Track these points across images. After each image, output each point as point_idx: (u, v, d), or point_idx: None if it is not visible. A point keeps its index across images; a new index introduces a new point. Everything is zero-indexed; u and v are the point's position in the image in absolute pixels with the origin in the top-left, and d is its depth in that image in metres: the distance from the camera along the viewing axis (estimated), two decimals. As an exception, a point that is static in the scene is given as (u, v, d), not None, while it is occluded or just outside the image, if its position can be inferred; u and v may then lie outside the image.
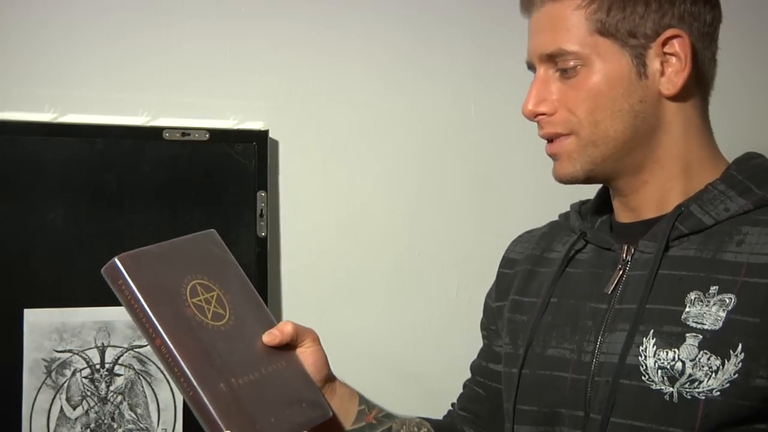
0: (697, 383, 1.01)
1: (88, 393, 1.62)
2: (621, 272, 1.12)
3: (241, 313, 1.12)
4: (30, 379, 1.59)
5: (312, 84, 1.77)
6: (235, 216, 1.70)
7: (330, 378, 1.17)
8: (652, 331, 1.06)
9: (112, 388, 1.64)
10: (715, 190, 1.10)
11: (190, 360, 1.04)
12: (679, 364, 1.03)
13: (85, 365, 1.62)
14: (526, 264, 1.27)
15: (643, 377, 1.05)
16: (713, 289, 1.04)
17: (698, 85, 1.12)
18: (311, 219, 1.78)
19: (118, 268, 1.05)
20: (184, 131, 1.68)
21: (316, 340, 1.16)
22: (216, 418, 1.03)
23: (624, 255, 1.13)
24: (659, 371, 1.04)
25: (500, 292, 1.30)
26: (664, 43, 1.09)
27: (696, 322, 1.03)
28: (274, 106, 1.75)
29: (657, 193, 1.13)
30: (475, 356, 1.38)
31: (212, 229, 1.18)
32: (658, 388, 1.03)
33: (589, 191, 1.25)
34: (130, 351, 1.64)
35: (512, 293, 1.27)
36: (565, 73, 1.11)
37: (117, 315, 1.63)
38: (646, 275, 1.08)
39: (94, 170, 1.64)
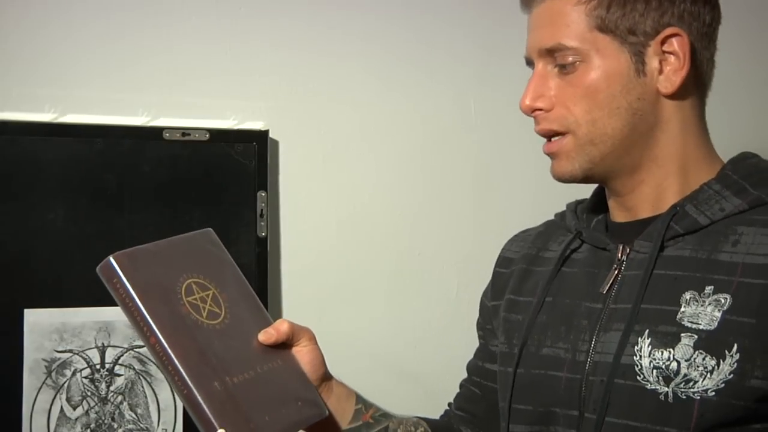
0: (692, 383, 1.01)
1: (89, 393, 1.63)
2: (616, 272, 1.12)
3: (237, 311, 1.12)
4: (30, 379, 1.60)
5: (312, 84, 1.77)
6: (235, 216, 1.69)
7: (327, 377, 1.17)
8: (647, 330, 1.05)
9: (112, 388, 1.64)
10: (710, 190, 1.10)
11: (184, 358, 1.04)
12: (674, 364, 1.02)
13: (86, 365, 1.62)
14: (522, 263, 1.27)
15: (638, 377, 1.04)
16: (708, 289, 1.04)
17: (696, 84, 1.12)
18: (311, 219, 1.78)
19: (113, 266, 1.05)
20: (184, 131, 1.68)
21: (313, 339, 1.16)
22: (210, 416, 1.03)
23: (619, 255, 1.12)
24: (654, 371, 1.03)
25: (496, 291, 1.30)
26: (663, 42, 1.09)
27: (691, 322, 1.03)
28: (274, 106, 1.75)
29: (653, 192, 1.13)
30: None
31: (209, 228, 1.18)
32: (653, 387, 1.03)
33: (589, 191, 1.25)
34: (131, 351, 1.64)
35: (508, 292, 1.27)
36: (563, 69, 1.11)
37: (117, 315, 1.61)
38: (641, 275, 1.08)
39: (94, 170, 1.64)
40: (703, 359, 1.01)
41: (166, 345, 1.04)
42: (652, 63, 1.09)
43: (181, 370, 1.04)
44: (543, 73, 1.12)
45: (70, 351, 1.62)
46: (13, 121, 1.61)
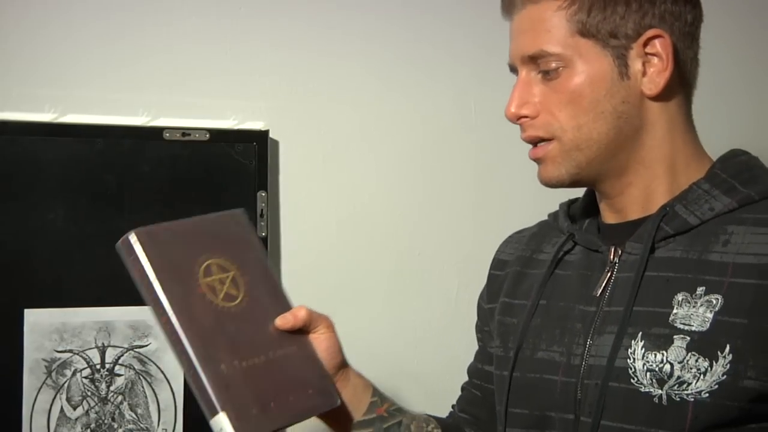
0: (685, 385, 1.01)
1: (89, 393, 1.63)
2: (609, 274, 1.12)
3: (257, 295, 1.12)
4: (30, 379, 1.60)
5: (312, 84, 1.77)
6: (235, 216, 1.69)
7: (343, 365, 1.17)
8: (640, 333, 1.05)
9: (112, 388, 1.64)
10: (699, 190, 1.09)
11: (192, 339, 1.04)
12: (667, 366, 1.02)
13: (86, 365, 1.62)
14: (516, 266, 1.26)
15: (631, 380, 1.04)
16: (700, 290, 1.03)
17: (681, 84, 1.12)
18: (311, 219, 1.78)
19: (132, 242, 1.05)
20: (184, 131, 1.68)
21: (331, 327, 1.16)
22: (212, 397, 1.03)
23: (611, 257, 1.12)
24: (648, 373, 1.03)
25: (491, 294, 1.30)
26: (646, 44, 1.08)
27: (683, 324, 1.03)
28: (274, 106, 1.75)
29: (641, 194, 1.12)
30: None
31: (241, 209, 1.17)
32: (647, 390, 1.03)
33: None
34: (131, 351, 1.64)
35: (502, 295, 1.26)
36: (547, 75, 1.10)
37: (117, 315, 1.63)
38: (633, 277, 1.08)
39: (94, 170, 1.64)
40: (696, 361, 1.01)
41: (176, 325, 1.04)
42: (635, 65, 1.09)
43: (189, 350, 1.04)
44: (527, 80, 1.12)
45: (70, 351, 1.62)
46: (13, 121, 1.61)
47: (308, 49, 1.76)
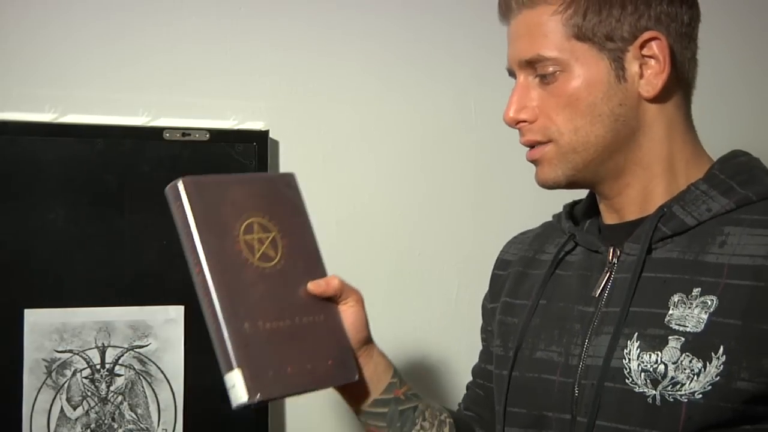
0: (679, 386, 1.01)
1: (89, 393, 1.63)
2: (608, 274, 1.12)
3: (293, 260, 1.12)
4: (30, 380, 1.60)
5: (312, 84, 1.77)
6: (235, 216, 1.69)
7: (368, 342, 1.18)
8: (636, 333, 1.05)
9: (112, 389, 1.64)
10: (697, 190, 1.09)
11: (220, 293, 1.05)
12: (661, 367, 1.02)
13: (86, 365, 1.62)
14: (519, 266, 1.27)
15: (626, 380, 1.04)
16: (696, 291, 1.04)
17: (679, 85, 1.12)
18: (311, 219, 1.77)
19: (179, 189, 1.06)
20: (185, 131, 1.68)
21: (360, 301, 1.17)
22: (230, 353, 1.04)
23: (610, 257, 1.12)
24: (642, 374, 1.03)
25: (493, 293, 1.31)
26: (642, 46, 1.08)
27: (679, 325, 1.03)
28: (274, 106, 1.75)
29: (639, 195, 1.12)
30: (475, 357, 1.39)
31: (292, 172, 1.17)
32: (641, 390, 1.03)
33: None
34: (131, 351, 1.64)
35: (504, 295, 1.27)
36: (544, 79, 1.10)
37: (117, 315, 1.63)
38: (630, 278, 1.08)
39: (94, 170, 1.64)
40: (690, 362, 1.01)
41: (207, 276, 1.05)
42: (632, 68, 1.09)
43: (215, 303, 1.04)
44: (525, 84, 1.12)
45: (70, 351, 1.62)
46: (13, 121, 1.61)
47: (308, 49, 1.76)
